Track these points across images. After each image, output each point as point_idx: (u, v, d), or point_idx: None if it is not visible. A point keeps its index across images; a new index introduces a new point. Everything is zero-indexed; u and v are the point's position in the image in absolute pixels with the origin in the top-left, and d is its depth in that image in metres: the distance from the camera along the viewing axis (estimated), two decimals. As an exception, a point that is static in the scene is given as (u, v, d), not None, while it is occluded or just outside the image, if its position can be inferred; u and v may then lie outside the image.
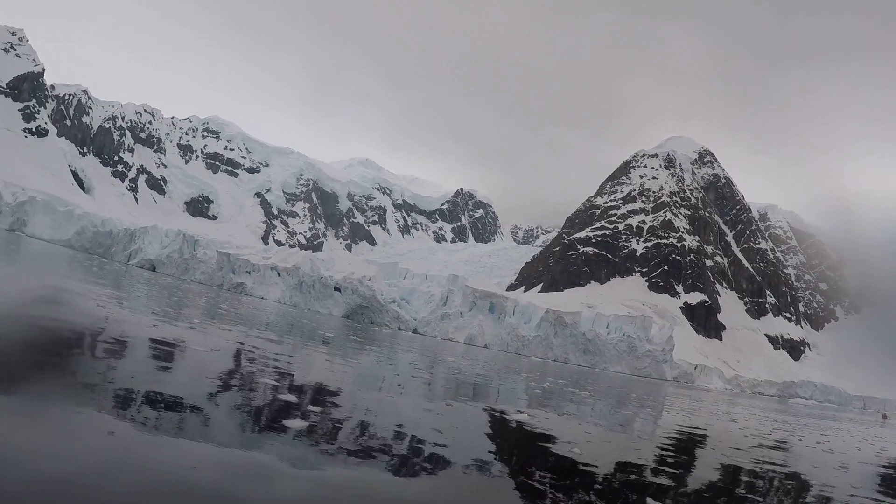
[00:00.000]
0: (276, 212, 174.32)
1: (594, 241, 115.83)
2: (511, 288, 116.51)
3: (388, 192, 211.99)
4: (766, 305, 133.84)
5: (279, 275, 51.72)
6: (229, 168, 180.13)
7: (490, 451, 5.47)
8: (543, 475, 4.81)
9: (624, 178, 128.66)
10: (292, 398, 5.61)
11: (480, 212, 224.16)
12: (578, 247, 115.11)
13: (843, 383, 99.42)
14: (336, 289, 50.51)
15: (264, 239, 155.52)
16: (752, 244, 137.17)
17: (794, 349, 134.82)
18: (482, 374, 15.72)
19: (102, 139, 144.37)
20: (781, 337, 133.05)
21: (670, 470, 5.94)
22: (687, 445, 8.76)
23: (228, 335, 10.54)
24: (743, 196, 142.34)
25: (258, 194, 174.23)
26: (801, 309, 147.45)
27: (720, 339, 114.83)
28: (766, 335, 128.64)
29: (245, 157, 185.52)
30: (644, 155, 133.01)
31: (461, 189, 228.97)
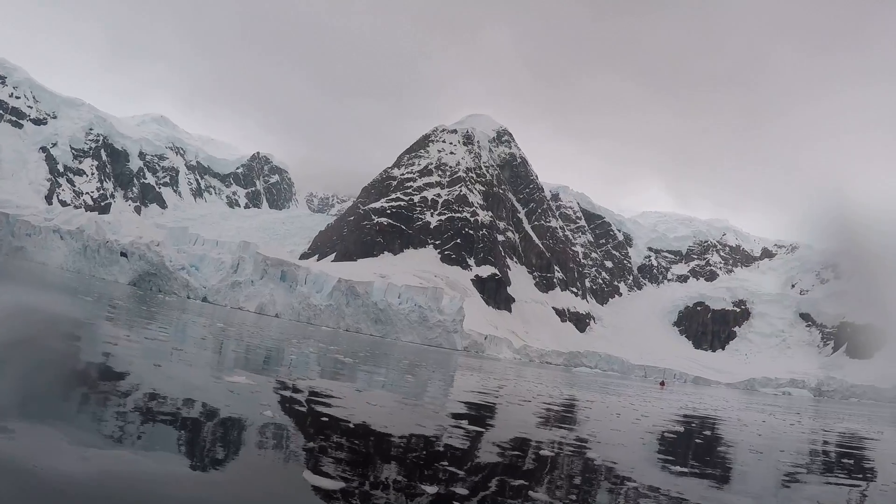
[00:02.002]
0: (61, 169, 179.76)
1: (389, 212, 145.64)
2: (304, 257, 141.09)
3: (181, 152, 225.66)
4: (555, 280, 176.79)
5: (62, 238, 59.03)
6: (13, 118, 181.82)
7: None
8: (333, 447, 6.21)
9: (422, 151, 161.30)
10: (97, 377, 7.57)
11: (276, 177, 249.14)
12: (373, 217, 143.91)
13: (626, 353, 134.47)
14: (122, 254, 58.77)
15: (48, 199, 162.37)
16: (543, 222, 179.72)
17: (581, 321, 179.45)
18: (271, 345, 19.83)
19: None
20: (568, 310, 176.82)
21: (458, 440, 7.70)
22: (476, 413, 11.28)
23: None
24: (537, 176, 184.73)
25: (43, 149, 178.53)
26: (588, 284, 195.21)
27: (510, 311, 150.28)
28: (553, 308, 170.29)
29: (31, 107, 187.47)
30: (444, 130, 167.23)
31: (258, 153, 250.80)
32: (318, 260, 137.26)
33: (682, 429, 15.26)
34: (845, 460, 12.41)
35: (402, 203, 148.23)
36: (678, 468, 8.25)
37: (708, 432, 15.28)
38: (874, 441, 18.48)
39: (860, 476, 10.29)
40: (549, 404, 15.97)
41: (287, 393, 9.51)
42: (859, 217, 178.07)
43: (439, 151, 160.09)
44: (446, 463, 6.27)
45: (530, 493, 5.59)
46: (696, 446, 12.02)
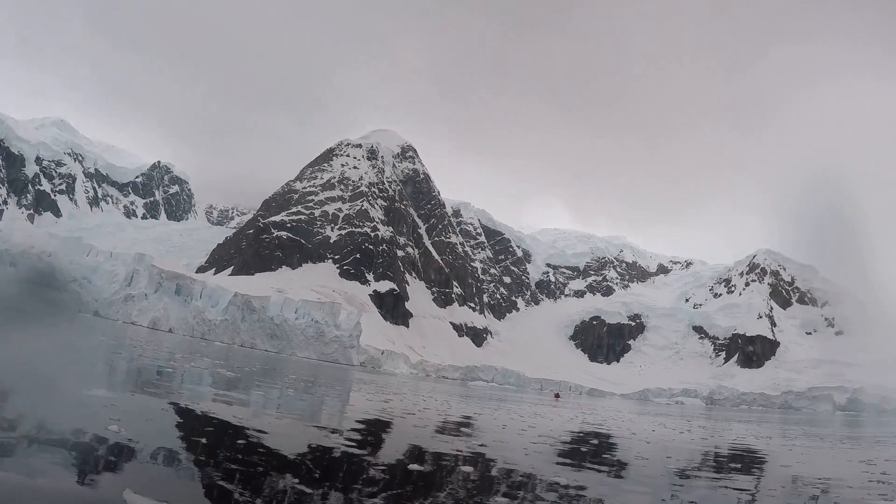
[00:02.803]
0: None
1: (289, 225, 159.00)
2: (201, 270, 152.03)
3: (80, 158, 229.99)
4: (453, 295, 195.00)
5: (-55, 247, 62.65)
6: None
7: (177, 442, 7.60)
8: (230, 464, 6.74)
9: (326, 165, 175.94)
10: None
11: (176, 188, 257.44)
12: (273, 231, 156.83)
13: (522, 367, 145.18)
14: (12, 264, 63.24)
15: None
16: (443, 238, 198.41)
17: (478, 336, 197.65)
18: (149, 361, 21.26)
19: None
20: (466, 325, 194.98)
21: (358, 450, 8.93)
22: (372, 429, 12.58)
23: None
24: (439, 192, 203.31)
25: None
26: (486, 299, 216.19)
27: (407, 326, 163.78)
28: (451, 323, 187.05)
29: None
30: (348, 144, 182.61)
31: (158, 162, 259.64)
32: (214, 273, 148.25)
33: (570, 438, 16.97)
34: (733, 464, 13.93)
35: (302, 217, 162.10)
36: (573, 469, 9.82)
37: (596, 441, 16.53)
38: (763, 445, 20.46)
39: (750, 477, 11.57)
40: (444, 418, 17.36)
41: (148, 408, 10.33)
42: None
43: (343, 165, 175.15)
44: (341, 475, 7.17)
45: (437, 493, 6.52)
46: (586, 453, 13.31)
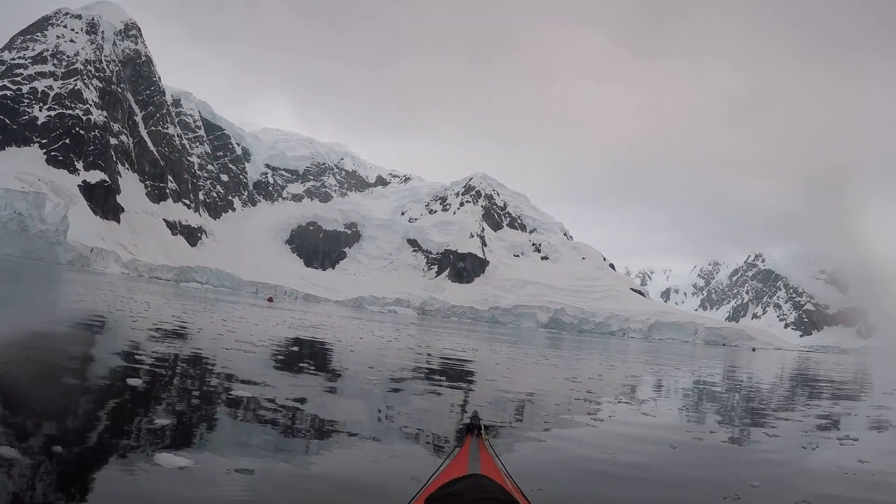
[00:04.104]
0: None
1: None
2: None
3: None
4: (167, 191, 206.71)
5: None
6: None
7: None
8: None
9: (39, 34, 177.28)
10: None
11: None
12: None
13: (238, 270, 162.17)
14: None
15: None
16: (160, 127, 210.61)
17: (192, 235, 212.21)
18: None
19: None
20: (180, 223, 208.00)
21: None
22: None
23: None
24: (160, 78, 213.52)
25: None
26: (202, 197, 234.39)
27: (118, 222, 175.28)
28: (164, 220, 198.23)
29: None
30: (67, 14, 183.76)
31: None
32: None
33: (289, 341, 19.20)
34: (447, 371, 16.41)
35: (8, 92, 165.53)
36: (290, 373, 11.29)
37: (296, 348, 17.82)
38: (472, 355, 24.21)
39: (462, 386, 13.56)
40: (157, 324, 18.31)
41: None
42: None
43: (58, 37, 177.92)
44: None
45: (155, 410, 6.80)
46: (287, 359, 14.56)
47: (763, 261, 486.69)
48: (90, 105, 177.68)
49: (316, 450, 6.37)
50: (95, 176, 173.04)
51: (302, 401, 8.79)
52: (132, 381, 8.08)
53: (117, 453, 5.45)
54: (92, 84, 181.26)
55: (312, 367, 12.53)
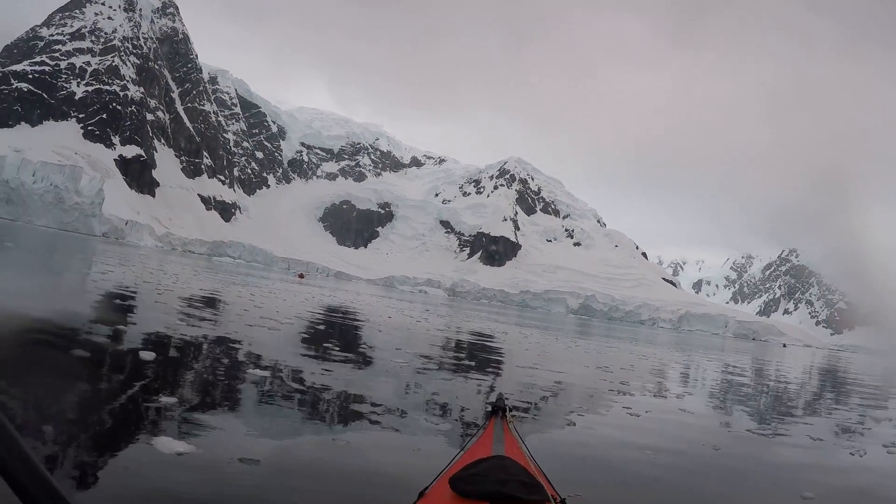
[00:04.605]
0: None
1: (31, 76, 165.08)
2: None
3: None
4: (202, 166, 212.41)
5: None
6: None
7: None
8: None
9: (77, 11, 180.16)
10: None
11: None
12: (12, 81, 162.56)
13: (270, 245, 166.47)
14: None
15: None
16: (196, 104, 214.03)
17: (226, 211, 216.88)
18: None
19: None
20: (214, 198, 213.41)
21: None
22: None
23: None
24: (197, 55, 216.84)
25: None
26: (237, 174, 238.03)
27: (153, 196, 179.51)
28: (199, 195, 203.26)
29: None
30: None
31: None
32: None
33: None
34: (475, 354, 16.33)
35: (46, 68, 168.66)
36: (315, 355, 10.75)
37: (329, 329, 17.18)
38: (501, 338, 24.42)
39: (490, 370, 13.31)
40: (183, 298, 17.99)
41: None
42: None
43: (96, 14, 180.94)
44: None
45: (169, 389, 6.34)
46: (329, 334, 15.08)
47: (797, 256, 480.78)
48: (127, 81, 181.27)
49: (333, 437, 5.87)
50: (131, 151, 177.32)
51: (321, 383, 8.32)
52: (145, 355, 7.67)
53: (111, 433, 5.01)
54: (129, 61, 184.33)
55: (336, 348, 11.89)
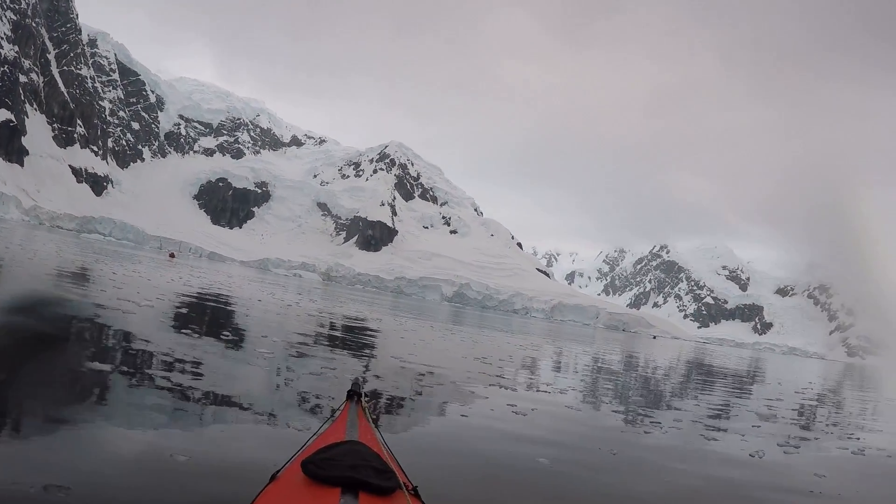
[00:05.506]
0: None
1: None
2: None
3: None
4: (75, 135, 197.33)
5: None
6: None
7: None
8: None
9: None
10: None
11: None
12: None
13: (142, 223, 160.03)
14: None
15: None
16: (73, 68, 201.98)
17: (98, 184, 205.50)
18: None
19: None
20: (86, 170, 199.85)
21: None
22: None
23: None
24: (77, 15, 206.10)
25: None
26: (111, 145, 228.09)
27: (21, 166, 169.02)
28: (70, 166, 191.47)
29: None
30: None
31: None
32: None
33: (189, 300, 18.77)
34: (351, 341, 16.43)
35: None
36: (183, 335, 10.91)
37: (193, 312, 17.03)
38: (375, 324, 24.48)
39: (364, 358, 13.17)
40: (33, 275, 17.51)
41: None
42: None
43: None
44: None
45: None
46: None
47: (668, 252, 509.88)
48: (2, 39, 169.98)
49: (182, 429, 5.54)
50: (1, 115, 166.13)
51: (171, 373, 7.51)
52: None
53: None
54: (5, 16, 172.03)
55: (196, 334, 11.42)
